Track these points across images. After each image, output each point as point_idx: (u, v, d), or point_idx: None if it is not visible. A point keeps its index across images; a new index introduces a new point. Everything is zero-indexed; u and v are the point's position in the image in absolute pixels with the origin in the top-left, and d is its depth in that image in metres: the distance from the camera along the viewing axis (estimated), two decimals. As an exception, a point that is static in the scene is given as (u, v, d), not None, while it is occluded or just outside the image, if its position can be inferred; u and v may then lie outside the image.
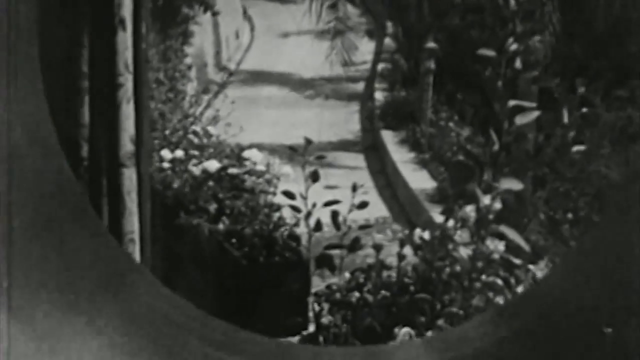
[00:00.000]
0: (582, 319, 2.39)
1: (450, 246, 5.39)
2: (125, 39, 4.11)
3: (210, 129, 10.42)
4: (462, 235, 5.31)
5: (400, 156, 17.03)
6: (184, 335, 3.11)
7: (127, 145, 4.29)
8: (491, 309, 5.11)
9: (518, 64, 6.63)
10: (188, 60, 18.48)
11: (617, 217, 2.66)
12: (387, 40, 23.97)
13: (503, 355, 2.63)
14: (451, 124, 17.24)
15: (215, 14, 19.85)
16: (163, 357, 2.85)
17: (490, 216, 5.12)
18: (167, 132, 10.32)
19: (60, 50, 3.92)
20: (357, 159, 17.93)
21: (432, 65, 18.20)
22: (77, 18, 3.97)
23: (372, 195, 13.62)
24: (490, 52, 6.47)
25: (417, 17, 19.73)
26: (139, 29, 4.07)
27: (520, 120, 6.22)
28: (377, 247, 6.02)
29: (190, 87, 17.61)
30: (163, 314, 3.15)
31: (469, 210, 5.23)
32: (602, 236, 2.71)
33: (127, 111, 4.17)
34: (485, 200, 5.16)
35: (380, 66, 23.31)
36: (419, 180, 15.24)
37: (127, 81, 4.10)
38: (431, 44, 18.21)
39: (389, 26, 24.07)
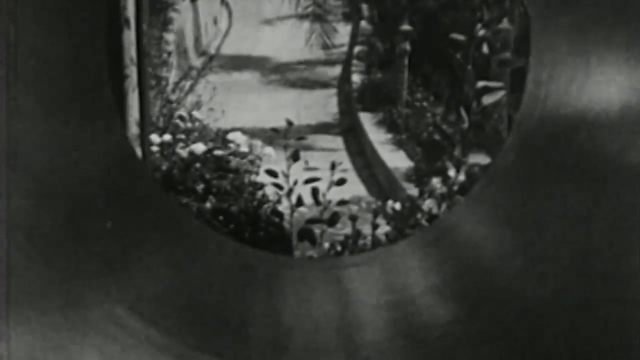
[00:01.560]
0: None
1: (419, 215, 5.80)
2: (130, 36, 4.60)
3: (196, 113, 10.75)
4: (429, 205, 5.72)
5: (378, 137, 17.26)
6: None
7: (133, 128, 4.81)
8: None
9: (485, 48, 7.05)
10: (168, 47, 18.63)
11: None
12: (363, 23, 24.10)
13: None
14: (425, 104, 17.45)
15: (194, 1, 20.05)
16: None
17: (455, 187, 5.55)
18: (153, 118, 10.60)
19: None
20: (336, 141, 18.16)
21: (407, 47, 18.37)
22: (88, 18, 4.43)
23: (351, 176, 13.90)
24: (460, 37, 6.88)
25: (392, 0, 19.80)
26: (140, 27, 4.56)
27: (487, 100, 6.64)
28: (353, 218, 6.43)
29: (172, 74, 17.83)
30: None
31: (436, 182, 5.65)
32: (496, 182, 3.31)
33: (133, 99, 4.68)
34: (451, 172, 5.58)
35: (357, 49, 23.47)
36: (397, 160, 15.47)
37: (132, 73, 4.60)
38: (406, 26, 18.36)
39: (365, 9, 24.17)
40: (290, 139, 7.73)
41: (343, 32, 22.75)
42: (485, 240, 3.13)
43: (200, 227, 3.80)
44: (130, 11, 4.49)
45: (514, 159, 3.16)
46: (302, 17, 19.57)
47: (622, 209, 2.34)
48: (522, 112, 3.23)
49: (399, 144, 16.61)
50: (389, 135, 17.33)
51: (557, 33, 2.82)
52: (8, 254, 2.43)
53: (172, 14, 19.31)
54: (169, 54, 18.47)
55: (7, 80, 2.62)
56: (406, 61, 18.32)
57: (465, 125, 6.66)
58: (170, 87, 15.14)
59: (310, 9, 18.86)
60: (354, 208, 7.29)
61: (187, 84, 16.74)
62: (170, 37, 19.12)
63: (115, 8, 4.43)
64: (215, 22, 27.41)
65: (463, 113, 6.74)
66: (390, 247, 4.63)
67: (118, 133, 3.40)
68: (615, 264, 2.42)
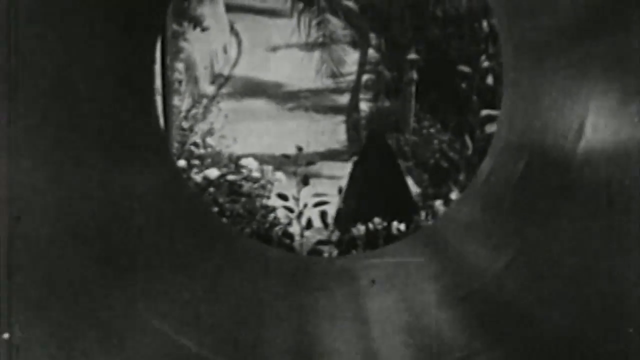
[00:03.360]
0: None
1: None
2: (155, 69, 4.90)
3: (209, 140, 10.99)
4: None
5: (386, 164, 17.39)
6: None
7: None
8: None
9: (490, 79, 7.33)
10: (179, 76, 18.80)
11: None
12: (371, 52, 24.19)
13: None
14: (432, 130, 17.59)
15: (204, 30, 20.26)
16: None
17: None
18: (167, 144, 10.82)
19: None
20: (345, 168, 18.30)
21: (414, 75, 18.57)
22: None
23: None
24: (466, 69, 7.17)
25: (400, 29, 19.91)
26: (165, 60, 4.89)
27: (490, 128, 6.91)
28: (360, 239, 6.69)
29: (184, 102, 18.01)
30: None
31: (438, 204, 5.92)
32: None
33: (159, 126, 4.99)
34: (453, 195, 5.87)
35: (365, 77, 23.62)
36: (404, 186, 15.61)
37: (157, 102, 4.90)
38: (413, 55, 18.53)
39: (372, 38, 24.23)
40: (300, 164, 7.98)
41: (349, 61, 22.89)
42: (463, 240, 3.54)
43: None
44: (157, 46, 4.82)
45: (486, 176, 3.53)
46: (312, 46, 19.77)
47: (588, 219, 2.63)
48: (494, 136, 3.62)
49: (406, 171, 16.70)
50: (397, 162, 17.44)
51: (524, 68, 3.17)
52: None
53: (183, 43, 19.51)
54: (180, 82, 18.64)
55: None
56: (413, 89, 18.47)
57: (470, 151, 6.92)
58: (182, 115, 15.33)
59: (320, 39, 19.05)
60: (361, 229, 7.57)
61: (199, 111, 16.93)
62: (180, 65, 19.30)
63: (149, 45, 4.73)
64: (225, 50, 27.62)
65: (467, 140, 7.00)
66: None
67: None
68: (592, 262, 2.69)
